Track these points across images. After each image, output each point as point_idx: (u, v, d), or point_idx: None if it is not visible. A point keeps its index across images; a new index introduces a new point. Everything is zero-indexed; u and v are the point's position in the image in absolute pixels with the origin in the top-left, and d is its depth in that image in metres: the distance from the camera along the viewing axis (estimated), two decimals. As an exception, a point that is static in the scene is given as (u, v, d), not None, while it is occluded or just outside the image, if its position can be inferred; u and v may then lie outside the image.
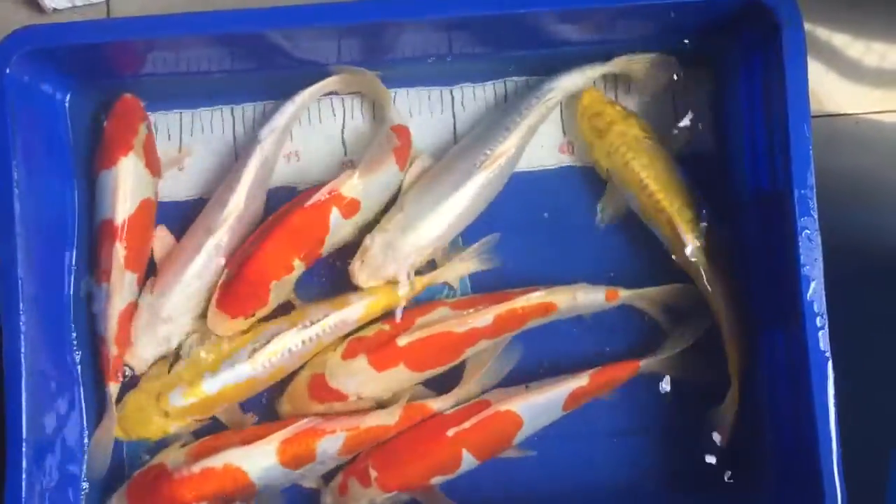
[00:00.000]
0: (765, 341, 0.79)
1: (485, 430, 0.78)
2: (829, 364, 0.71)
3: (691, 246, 0.79)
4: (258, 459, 0.76)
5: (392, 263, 0.79)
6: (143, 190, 0.82)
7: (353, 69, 0.82)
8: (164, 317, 0.80)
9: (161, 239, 0.83)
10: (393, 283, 0.80)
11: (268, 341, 0.78)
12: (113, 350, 0.80)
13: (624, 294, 0.81)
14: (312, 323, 0.79)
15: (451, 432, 0.77)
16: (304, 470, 0.78)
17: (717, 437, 0.79)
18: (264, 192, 0.83)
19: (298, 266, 0.79)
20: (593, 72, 0.83)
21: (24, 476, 0.73)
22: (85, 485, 0.81)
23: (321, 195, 0.79)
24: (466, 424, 0.77)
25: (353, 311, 0.80)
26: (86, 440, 0.81)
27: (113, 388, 0.80)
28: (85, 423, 0.82)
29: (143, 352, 0.81)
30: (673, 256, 0.81)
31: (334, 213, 0.79)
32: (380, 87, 0.83)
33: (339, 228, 0.80)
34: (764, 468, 0.79)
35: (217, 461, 0.75)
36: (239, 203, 0.80)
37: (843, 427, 0.71)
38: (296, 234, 0.78)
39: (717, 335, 0.80)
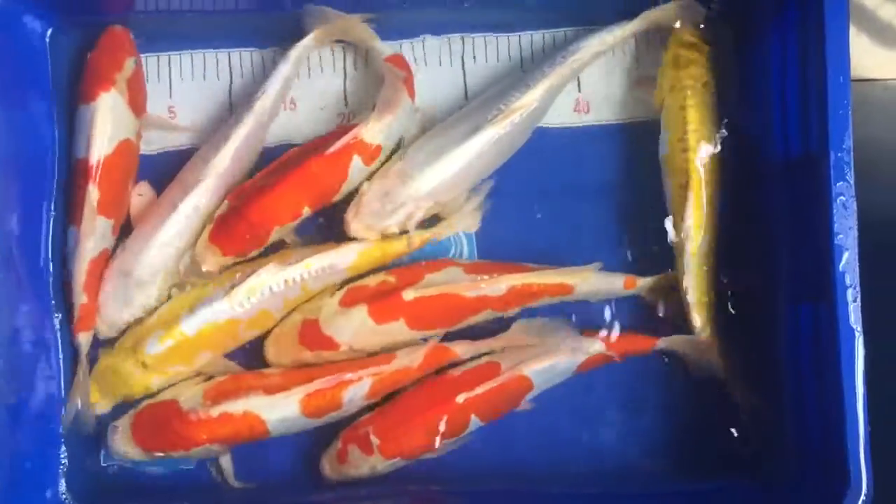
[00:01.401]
0: (788, 315, 0.76)
1: (496, 396, 0.76)
2: (860, 340, 0.68)
3: (690, 215, 0.76)
4: (280, 410, 0.74)
5: (388, 214, 0.76)
6: (122, 130, 0.77)
7: (327, 14, 0.78)
8: (134, 279, 0.76)
9: (141, 195, 0.79)
10: (388, 235, 0.77)
11: (247, 278, 0.74)
12: (81, 297, 0.76)
13: (642, 283, 0.79)
14: (297, 261, 0.75)
15: (461, 398, 0.75)
16: (328, 418, 0.76)
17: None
18: (255, 153, 0.79)
19: (306, 212, 0.76)
20: (623, 31, 0.79)
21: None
22: (63, 447, 0.77)
23: (343, 143, 0.75)
24: (478, 390, 0.75)
25: (343, 256, 0.76)
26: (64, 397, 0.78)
27: (83, 337, 0.76)
28: (63, 377, 0.78)
29: (111, 315, 0.77)
30: (672, 226, 0.78)
31: (355, 161, 0.76)
32: (358, 25, 0.79)
33: (359, 175, 0.77)
34: (786, 450, 0.76)
35: (237, 406, 0.74)
36: (223, 164, 0.76)
37: (872, 408, 0.68)
38: (311, 182, 0.75)
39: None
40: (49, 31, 0.78)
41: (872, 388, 0.68)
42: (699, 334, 0.77)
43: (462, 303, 0.75)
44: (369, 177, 0.77)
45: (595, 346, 0.77)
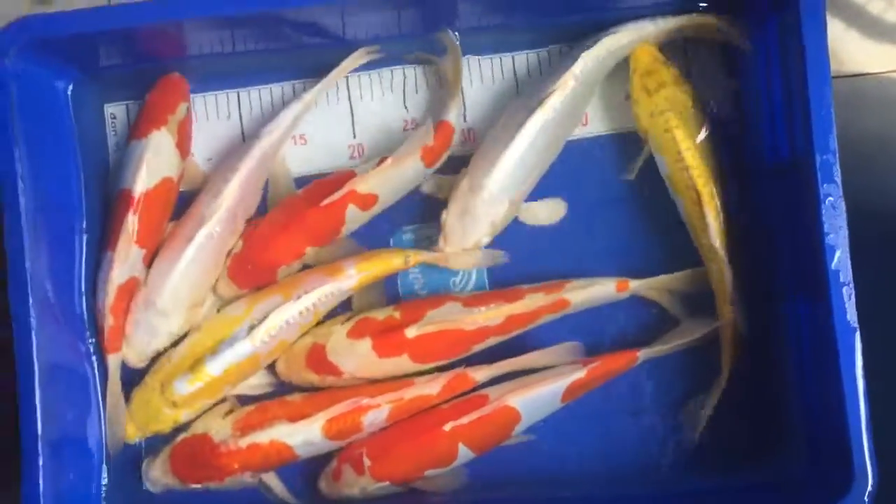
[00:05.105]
0: (788, 314, 0.77)
1: (483, 426, 0.77)
2: (857, 336, 0.69)
3: (712, 229, 0.77)
4: (304, 436, 0.77)
5: (471, 229, 0.79)
6: (167, 167, 0.81)
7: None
8: (157, 309, 0.79)
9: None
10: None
11: (265, 316, 0.78)
12: (108, 320, 0.79)
13: (634, 284, 0.80)
14: (307, 293, 0.79)
15: (448, 427, 0.77)
16: (349, 440, 0.79)
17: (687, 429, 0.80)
18: (262, 184, 0.82)
19: (311, 252, 0.81)
20: (666, 23, 0.80)
21: (40, 471, 0.73)
22: (105, 476, 0.81)
23: (338, 196, 0.79)
24: (464, 420, 0.77)
25: (348, 280, 0.79)
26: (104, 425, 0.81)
27: (112, 358, 0.80)
28: (101, 406, 0.81)
29: (139, 345, 0.80)
30: (691, 234, 0.79)
31: (350, 209, 0.80)
32: (458, 63, 0.82)
33: (356, 219, 0.81)
34: (791, 446, 0.77)
35: (264, 437, 0.77)
36: (232, 193, 0.79)
37: (873, 402, 0.69)
38: (309, 230, 0.80)
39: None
40: (70, 87, 0.82)
41: (876, 378, 0.69)
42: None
43: (464, 336, 0.78)
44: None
45: (576, 373, 0.78)
